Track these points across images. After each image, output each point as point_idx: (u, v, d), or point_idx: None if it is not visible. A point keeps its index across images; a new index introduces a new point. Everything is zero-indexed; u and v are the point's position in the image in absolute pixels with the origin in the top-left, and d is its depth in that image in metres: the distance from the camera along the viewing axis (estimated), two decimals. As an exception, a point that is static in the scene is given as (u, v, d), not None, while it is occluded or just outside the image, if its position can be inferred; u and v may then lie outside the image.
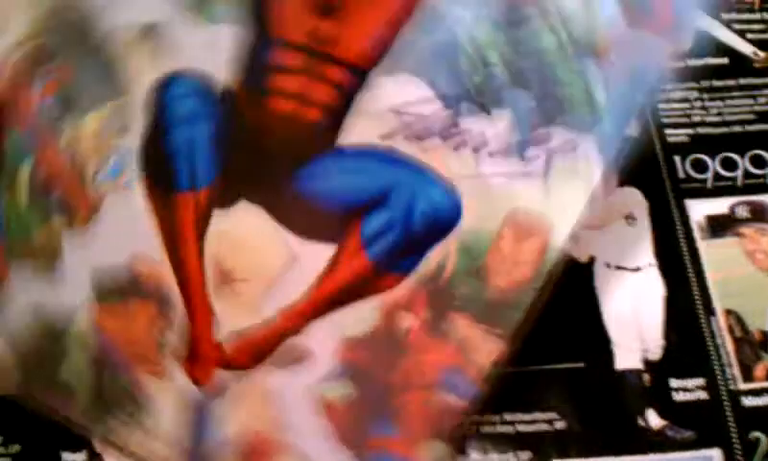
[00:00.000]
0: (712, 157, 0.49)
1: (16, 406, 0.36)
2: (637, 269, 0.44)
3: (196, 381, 0.35)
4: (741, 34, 0.53)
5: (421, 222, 0.34)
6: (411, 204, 0.35)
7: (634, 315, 0.43)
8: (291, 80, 0.35)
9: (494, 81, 0.35)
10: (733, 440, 0.40)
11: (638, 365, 0.42)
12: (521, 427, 0.40)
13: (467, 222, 0.35)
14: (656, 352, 0.43)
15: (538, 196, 0.34)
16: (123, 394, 0.35)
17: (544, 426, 0.40)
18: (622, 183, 0.43)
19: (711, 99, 0.51)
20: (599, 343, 0.42)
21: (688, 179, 0.48)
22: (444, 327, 0.35)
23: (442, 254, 0.35)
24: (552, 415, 0.40)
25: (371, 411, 0.35)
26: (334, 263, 0.35)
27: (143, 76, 0.35)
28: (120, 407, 0.35)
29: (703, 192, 0.47)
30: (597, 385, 0.41)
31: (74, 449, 0.37)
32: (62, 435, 0.36)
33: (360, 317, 0.35)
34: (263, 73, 0.35)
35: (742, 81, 0.51)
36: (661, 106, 0.49)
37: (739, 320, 0.44)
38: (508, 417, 0.40)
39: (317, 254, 0.35)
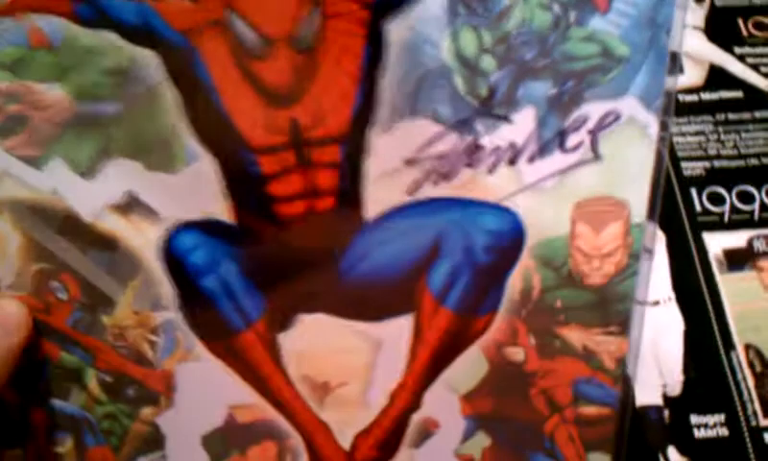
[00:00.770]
0: (729, 191, 0.53)
1: None
2: (656, 303, 0.47)
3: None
4: (755, 67, 0.57)
5: (486, 254, 0.37)
6: (468, 242, 0.37)
7: (653, 349, 0.46)
8: (290, 181, 0.36)
9: (500, 85, 0.35)
10: (756, 477, 0.43)
11: (658, 401, 0.46)
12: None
13: (534, 236, 0.36)
14: (675, 388, 0.46)
15: (598, 180, 0.35)
16: None
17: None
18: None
19: (727, 132, 0.55)
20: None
21: (705, 212, 0.52)
22: (557, 345, 0.38)
23: (522, 277, 0.37)
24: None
25: (518, 452, 0.40)
26: (418, 330, 0.38)
27: (146, 244, 0.38)
28: None
29: (720, 225, 0.52)
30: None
31: None
32: None
33: (468, 369, 0.39)
34: (260, 187, 0.36)
35: (757, 114, 0.55)
36: (677, 139, 0.53)
37: (759, 354, 0.47)
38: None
39: (398, 330, 0.38)
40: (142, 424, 0.41)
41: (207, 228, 0.37)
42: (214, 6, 0.34)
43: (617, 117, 0.35)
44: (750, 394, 0.47)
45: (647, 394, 0.46)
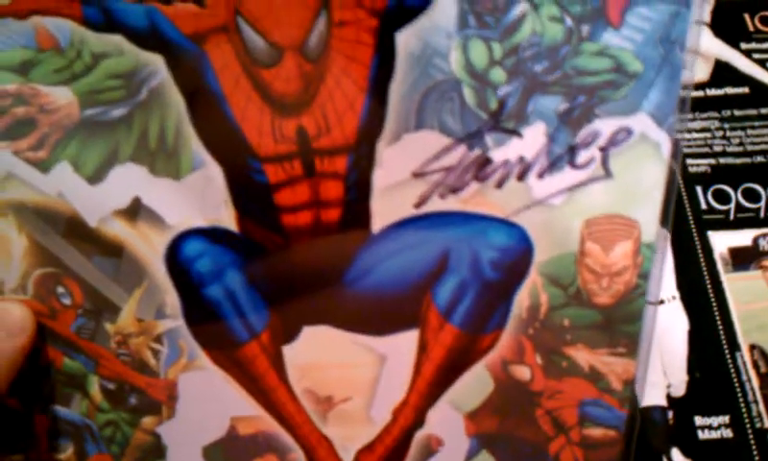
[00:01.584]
0: (734, 188, 0.52)
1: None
2: (661, 302, 0.47)
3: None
4: (761, 63, 0.56)
5: (494, 270, 0.36)
6: (475, 257, 0.36)
7: (657, 349, 0.46)
8: (296, 191, 0.36)
9: (510, 98, 0.34)
10: (760, 479, 0.42)
11: (662, 402, 0.45)
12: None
13: (542, 253, 0.36)
14: (679, 388, 0.46)
15: (609, 198, 0.35)
16: None
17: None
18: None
19: (732, 129, 0.54)
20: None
21: (710, 210, 0.52)
22: (564, 364, 0.37)
23: (530, 294, 0.36)
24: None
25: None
26: (423, 345, 0.37)
27: (152, 251, 0.37)
28: None
29: (725, 224, 0.52)
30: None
31: None
32: None
33: (473, 387, 0.38)
34: (266, 196, 0.36)
35: (763, 110, 0.55)
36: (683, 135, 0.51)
37: (764, 355, 0.46)
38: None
39: (403, 344, 0.38)
40: (144, 433, 0.40)
41: (213, 235, 0.37)
42: (222, 11, 0.34)
43: (629, 134, 0.34)
44: (755, 395, 0.46)
45: (651, 394, 0.45)
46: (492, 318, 0.37)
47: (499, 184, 0.35)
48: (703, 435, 0.46)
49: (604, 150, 0.34)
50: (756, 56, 0.58)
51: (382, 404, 0.39)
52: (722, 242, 0.52)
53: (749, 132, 0.55)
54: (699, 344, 0.48)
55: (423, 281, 0.37)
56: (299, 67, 0.34)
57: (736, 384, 0.47)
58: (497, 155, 0.35)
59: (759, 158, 0.54)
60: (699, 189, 0.53)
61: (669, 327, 0.47)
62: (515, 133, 0.34)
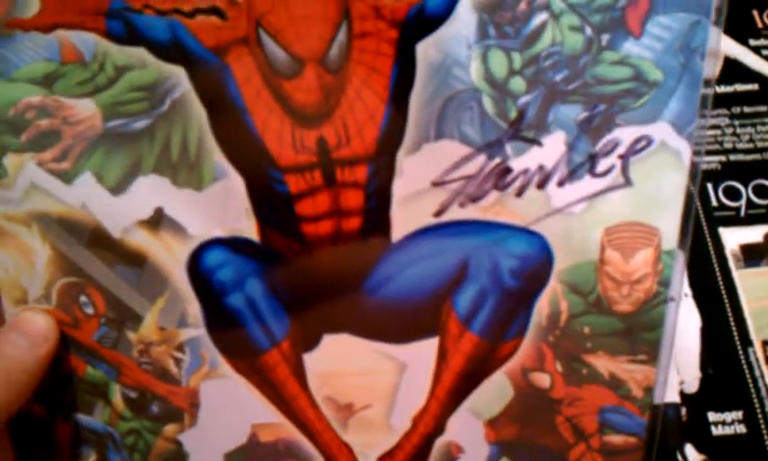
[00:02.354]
0: (745, 185, 0.53)
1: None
2: (672, 299, 0.47)
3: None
4: None
5: (513, 279, 0.36)
6: (495, 265, 0.36)
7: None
8: (316, 201, 0.36)
9: (530, 107, 0.34)
10: (774, 474, 0.43)
11: (676, 398, 0.46)
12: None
13: (562, 261, 0.36)
14: (692, 385, 0.46)
15: (629, 206, 0.35)
16: None
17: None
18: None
19: (742, 125, 0.55)
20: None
21: (721, 207, 0.53)
22: (584, 372, 0.37)
23: (550, 302, 0.37)
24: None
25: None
26: (443, 353, 0.38)
27: (174, 261, 0.38)
28: None
29: (736, 220, 0.52)
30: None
31: None
32: None
33: (493, 394, 0.38)
34: (287, 206, 0.36)
35: None
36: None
37: None
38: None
39: (423, 352, 0.38)
40: (165, 441, 0.41)
41: (234, 245, 0.37)
42: (244, 24, 0.34)
43: (649, 142, 0.34)
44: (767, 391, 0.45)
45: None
46: (512, 326, 0.37)
47: (519, 193, 0.35)
48: (716, 431, 0.46)
49: (624, 158, 0.35)
50: (766, 52, 0.59)
51: (402, 412, 0.39)
52: (733, 239, 0.52)
53: (759, 128, 0.56)
54: (711, 340, 0.49)
55: (443, 290, 0.37)
56: (319, 79, 0.34)
57: (749, 380, 0.47)
58: (517, 164, 0.35)
59: None
60: (710, 186, 0.54)
61: (682, 323, 0.47)
62: (534, 141, 0.35)
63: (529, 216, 0.36)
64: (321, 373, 0.39)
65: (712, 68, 0.34)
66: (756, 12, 0.61)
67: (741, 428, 0.46)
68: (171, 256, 0.38)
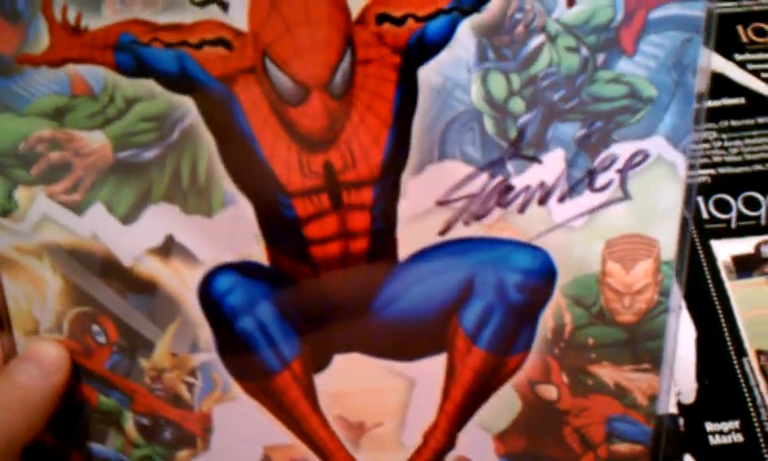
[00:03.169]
0: (735, 197, 0.56)
1: None
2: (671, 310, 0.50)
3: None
4: (756, 73, 0.60)
5: (518, 293, 0.38)
6: (500, 281, 0.38)
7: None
8: (324, 223, 0.38)
9: (529, 126, 0.36)
10: (772, 483, 0.45)
11: (673, 409, 0.48)
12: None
13: (565, 275, 0.38)
14: (689, 395, 0.48)
15: (628, 218, 0.37)
16: None
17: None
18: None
19: (731, 139, 0.58)
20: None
21: (712, 219, 0.55)
22: (589, 382, 0.39)
23: (554, 315, 0.39)
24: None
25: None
26: (451, 369, 0.40)
27: (185, 287, 0.39)
28: None
29: (727, 232, 0.55)
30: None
31: None
32: None
33: (501, 408, 0.40)
34: (295, 229, 0.38)
35: (760, 120, 0.59)
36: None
37: None
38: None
39: (432, 369, 0.40)
40: (179, 469, 0.42)
41: (244, 270, 0.39)
42: (250, 53, 0.36)
43: (646, 157, 0.36)
44: (763, 399, 0.48)
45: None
46: (518, 340, 0.39)
47: (521, 210, 0.37)
48: (714, 441, 0.48)
49: (622, 172, 0.37)
50: (751, 66, 0.61)
51: (413, 428, 0.41)
52: (725, 250, 0.55)
53: (747, 141, 0.58)
54: (707, 351, 0.51)
55: (450, 306, 0.39)
56: (324, 105, 0.36)
57: (745, 389, 0.49)
58: (518, 181, 0.37)
59: (758, 167, 0.58)
60: (700, 199, 0.56)
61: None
62: (535, 159, 0.37)
63: (531, 232, 0.38)
64: (332, 392, 0.41)
65: (704, 84, 0.36)
66: (740, 28, 0.64)
67: (738, 438, 0.48)
68: (182, 283, 0.39)
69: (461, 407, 0.40)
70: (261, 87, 0.36)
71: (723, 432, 0.48)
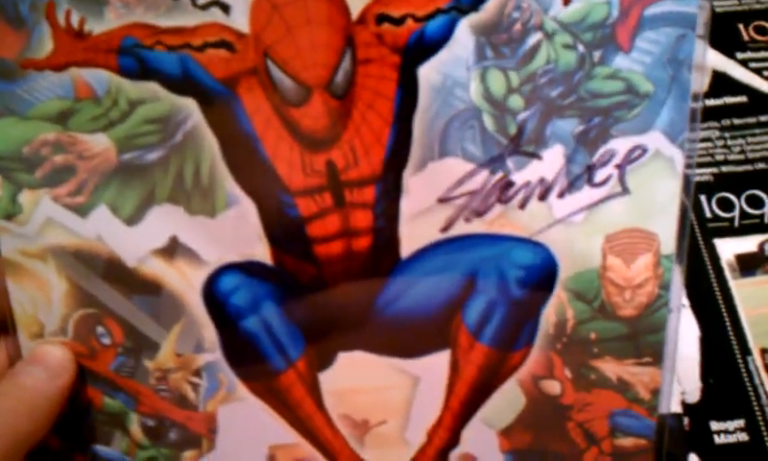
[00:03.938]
0: (738, 196, 0.57)
1: None
2: (671, 310, 0.51)
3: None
4: (758, 72, 0.61)
5: (520, 289, 0.40)
6: (502, 277, 0.40)
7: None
8: (327, 222, 0.39)
9: (529, 123, 0.38)
10: (778, 480, 0.46)
11: (678, 408, 0.49)
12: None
13: (566, 270, 0.39)
14: (694, 395, 0.50)
15: (627, 213, 0.38)
16: None
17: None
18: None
19: (733, 137, 0.60)
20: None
21: (715, 218, 0.57)
22: (592, 377, 0.41)
23: (556, 311, 0.40)
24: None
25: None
26: (455, 365, 0.41)
27: (189, 288, 0.41)
28: None
29: (730, 231, 0.56)
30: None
31: None
32: None
33: (505, 404, 0.41)
34: (298, 228, 0.40)
35: (762, 118, 0.60)
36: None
37: None
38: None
39: (435, 366, 0.41)
40: (184, 469, 0.44)
41: (248, 269, 0.41)
42: (252, 55, 0.38)
43: (644, 152, 0.38)
44: None
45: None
46: (520, 335, 0.41)
47: (522, 205, 0.39)
48: (719, 439, 0.49)
49: (620, 167, 0.38)
50: (753, 65, 0.63)
51: (417, 426, 0.43)
52: (728, 249, 0.56)
53: (749, 139, 0.60)
54: (711, 350, 0.52)
55: (453, 303, 0.41)
56: (326, 105, 0.38)
57: (749, 388, 0.51)
58: (519, 177, 0.39)
59: (761, 165, 0.59)
60: (703, 198, 0.58)
61: (681, 334, 0.50)
62: (534, 155, 0.38)
63: (532, 227, 0.39)
64: (336, 391, 0.42)
65: (700, 79, 0.37)
66: (741, 26, 0.66)
67: (743, 436, 0.49)
68: (186, 283, 0.41)
69: (465, 404, 0.42)
70: (263, 89, 0.38)
71: (728, 431, 0.50)
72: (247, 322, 0.41)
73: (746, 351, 0.52)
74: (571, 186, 0.39)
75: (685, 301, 0.54)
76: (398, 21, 0.37)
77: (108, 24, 0.38)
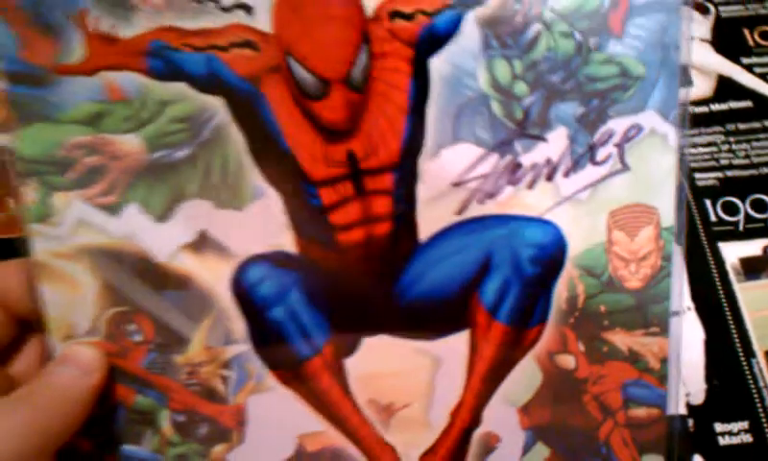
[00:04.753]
0: (743, 200, 0.60)
1: None
2: (675, 313, 0.51)
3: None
4: (763, 77, 0.65)
5: (533, 266, 0.43)
6: (515, 255, 0.43)
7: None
8: (349, 210, 0.43)
9: (534, 108, 0.42)
10: (781, 482, 0.48)
11: (682, 410, 0.52)
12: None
13: (574, 246, 0.43)
14: (698, 396, 0.52)
15: (628, 188, 0.42)
16: None
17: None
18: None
19: (738, 142, 0.63)
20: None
21: (720, 222, 0.59)
22: (604, 349, 0.44)
23: (567, 286, 0.44)
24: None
25: (577, 459, 0.45)
26: (474, 345, 0.44)
27: (218, 281, 0.44)
28: None
29: (735, 235, 0.59)
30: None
31: None
32: None
33: (523, 381, 0.45)
34: (321, 217, 0.43)
35: (767, 123, 0.63)
36: (690, 150, 0.59)
37: None
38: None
39: (455, 346, 0.44)
40: (214, 461, 0.46)
41: (274, 259, 0.44)
42: (275, 53, 0.42)
43: (640, 130, 0.42)
44: None
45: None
46: (535, 312, 0.44)
47: (531, 186, 0.43)
48: (723, 441, 0.52)
49: (619, 146, 0.42)
50: (758, 70, 0.66)
51: (440, 407, 0.46)
52: (733, 252, 0.59)
53: (754, 144, 0.63)
54: (715, 353, 0.55)
55: (470, 283, 0.44)
56: (345, 97, 0.42)
57: (753, 390, 0.53)
58: (526, 159, 0.43)
59: (765, 170, 0.62)
60: (708, 202, 0.60)
61: (686, 337, 0.53)
62: (540, 138, 0.43)
63: (541, 207, 0.43)
64: (361, 376, 0.45)
65: (688, 55, 0.42)
66: (746, 31, 0.69)
67: (747, 438, 0.52)
68: (215, 276, 0.44)
69: (485, 381, 0.45)
70: (285, 84, 0.42)
71: (732, 433, 0.52)
72: (274, 311, 0.44)
73: (750, 353, 0.55)
74: (576, 165, 0.43)
75: (690, 303, 0.56)
76: (410, 17, 0.42)
77: (136, 29, 0.42)
